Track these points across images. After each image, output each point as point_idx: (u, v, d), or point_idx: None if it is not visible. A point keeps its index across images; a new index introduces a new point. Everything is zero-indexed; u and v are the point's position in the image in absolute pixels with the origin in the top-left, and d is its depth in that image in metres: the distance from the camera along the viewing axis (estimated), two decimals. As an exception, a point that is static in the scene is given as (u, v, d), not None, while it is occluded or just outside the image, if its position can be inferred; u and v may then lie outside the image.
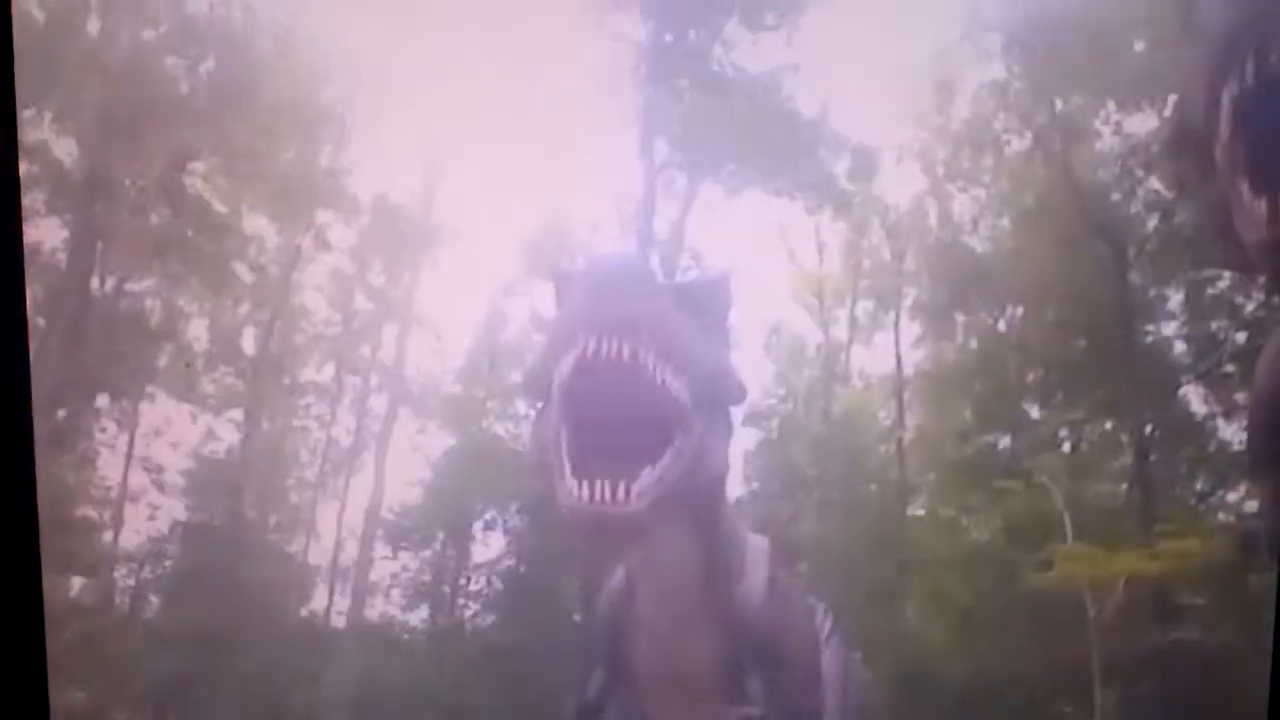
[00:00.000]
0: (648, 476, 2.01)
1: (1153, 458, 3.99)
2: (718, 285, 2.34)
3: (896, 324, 5.17)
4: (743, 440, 5.15)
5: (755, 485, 5.07)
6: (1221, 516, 3.84)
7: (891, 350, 5.23)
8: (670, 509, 2.09)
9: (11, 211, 0.72)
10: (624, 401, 2.03)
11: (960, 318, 4.84)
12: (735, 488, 5.13)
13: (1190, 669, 3.39)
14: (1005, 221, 4.72)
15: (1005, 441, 4.56)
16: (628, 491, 2.00)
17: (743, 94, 4.97)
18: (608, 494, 1.99)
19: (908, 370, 5.19)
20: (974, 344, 4.84)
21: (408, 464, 5.16)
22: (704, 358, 2.12)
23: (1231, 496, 3.78)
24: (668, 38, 5.21)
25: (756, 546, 2.69)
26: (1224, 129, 1.70)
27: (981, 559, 4.09)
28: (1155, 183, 4.09)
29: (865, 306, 5.51)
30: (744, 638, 2.40)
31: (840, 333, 5.72)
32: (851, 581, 4.11)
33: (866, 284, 5.44)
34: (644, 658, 2.43)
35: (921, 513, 4.94)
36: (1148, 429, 3.96)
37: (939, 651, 4.00)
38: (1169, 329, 4.19)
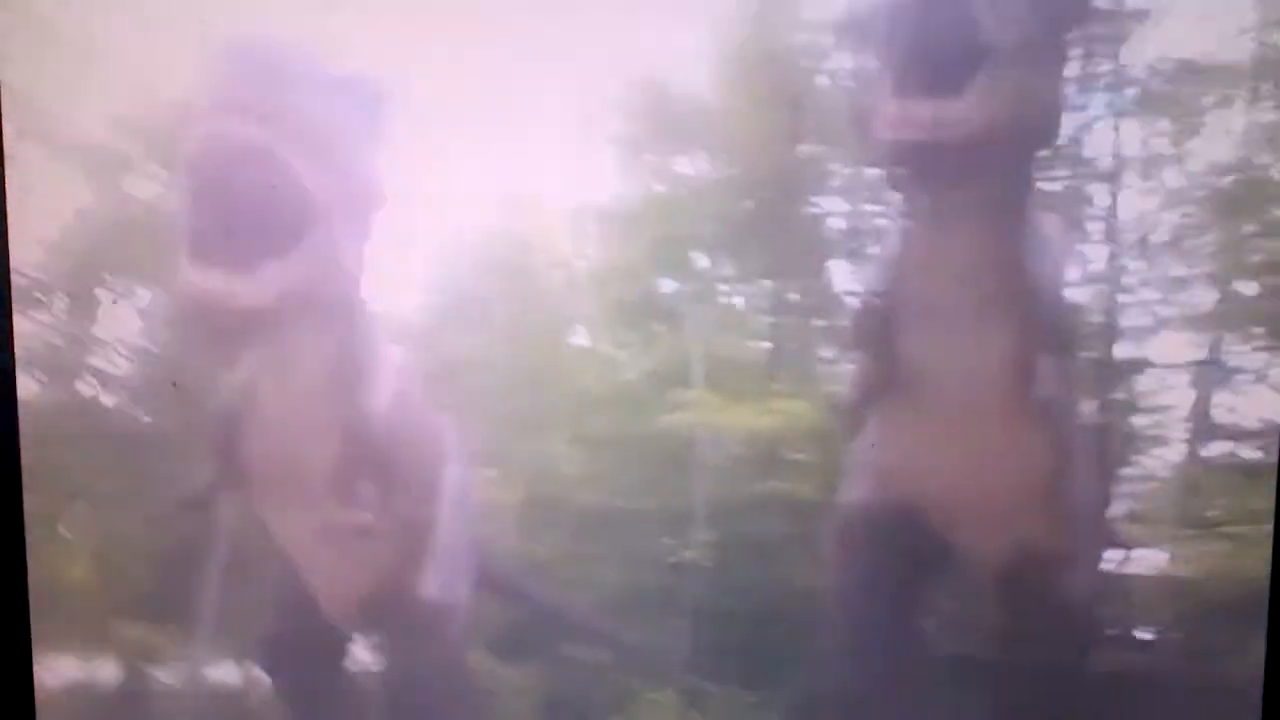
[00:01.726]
0: (272, 271, 1.91)
1: (789, 320, 4.27)
2: (372, 86, 2.21)
3: (589, 151, 5.13)
4: (412, 247, 5.00)
5: (418, 297, 4.96)
6: (835, 387, 4.20)
7: (583, 179, 5.19)
8: (297, 307, 2.02)
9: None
10: (252, 189, 1.90)
11: (650, 158, 4.86)
12: (387, 295, 4.97)
13: (781, 516, 3.76)
14: (712, 70, 4.72)
15: (669, 286, 4.70)
16: (248, 284, 1.90)
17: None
18: (227, 285, 1.89)
19: (597, 200, 5.16)
20: (659, 186, 4.89)
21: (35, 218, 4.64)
22: (343, 152, 2.02)
23: (849, 367, 4.12)
24: None
25: (389, 357, 2.68)
26: (878, 33, 1.81)
27: (627, 396, 4.26)
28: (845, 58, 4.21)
29: (562, 127, 5.39)
30: (363, 445, 2.41)
31: (536, 148, 5.60)
32: (501, 404, 4.17)
33: (563, 106, 5.34)
34: (258, 455, 2.38)
35: (583, 345, 5.05)
36: (793, 295, 4.22)
37: (573, 480, 4.18)
38: (831, 205, 4.42)
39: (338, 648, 2.67)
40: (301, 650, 2.55)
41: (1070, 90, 3.73)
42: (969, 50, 1.74)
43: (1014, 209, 1.95)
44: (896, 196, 2.19)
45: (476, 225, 5.05)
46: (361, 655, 3.18)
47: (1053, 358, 2.00)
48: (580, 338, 4.80)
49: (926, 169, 1.82)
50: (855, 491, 2.35)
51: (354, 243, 2.14)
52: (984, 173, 1.81)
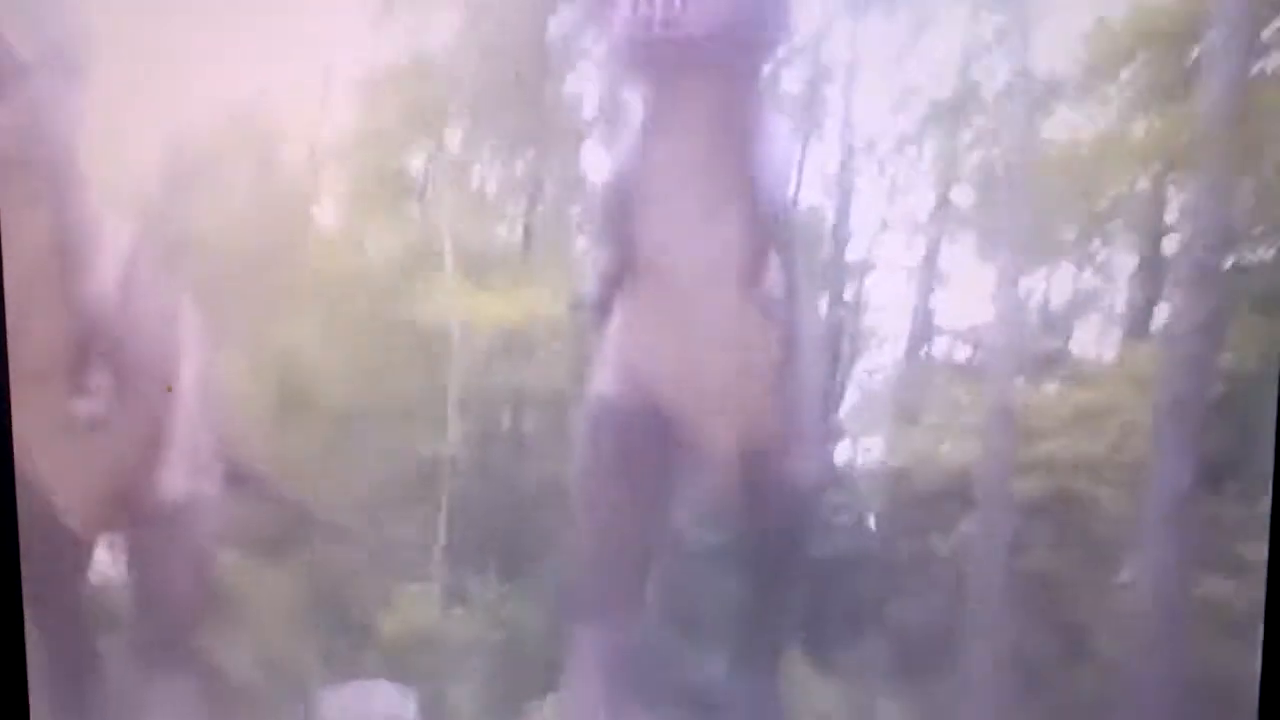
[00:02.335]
0: None
1: (542, 209, 4.24)
2: None
3: (332, 9, 4.81)
4: (135, 111, 4.58)
5: (145, 167, 4.57)
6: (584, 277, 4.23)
7: (327, 39, 4.85)
8: (10, 173, 1.85)
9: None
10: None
11: (403, 18, 4.61)
12: (109, 163, 4.51)
13: (530, 406, 3.82)
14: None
15: (420, 162, 4.53)
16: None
17: None
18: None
19: (343, 67, 4.84)
20: (409, 51, 4.64)
21: None
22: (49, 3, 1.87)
23: (596, 256, 4.15)
24: None
25: (114, 232, 2.50)
26: None
27: (379, 281, 4.14)
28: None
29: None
30: (90, 327, 2.25)
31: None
32: (248, 289, 3.97)
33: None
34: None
35: (330, 223, 4.83)
36: (547, 181, 4.18)
37: (327, 370, 4.06)
38: (587, 87, 4.36)
39: (78, 552, 2.52)
40: (39, 557, 2.40)
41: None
42: None
43: (741, 108, 2.02)
44: (638, 87, 2.21)
45: (208, 89, 4.64)
46: (103, 560, 3.02)
47: (779, 253, 2.10)
48: (326, 216, 4.60)
49: (659, 65, 1.85)
50: (602, 382, 2.41)
51: (65, 104, 1.95)
52: (713, 72, 1.85)
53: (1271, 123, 2.74)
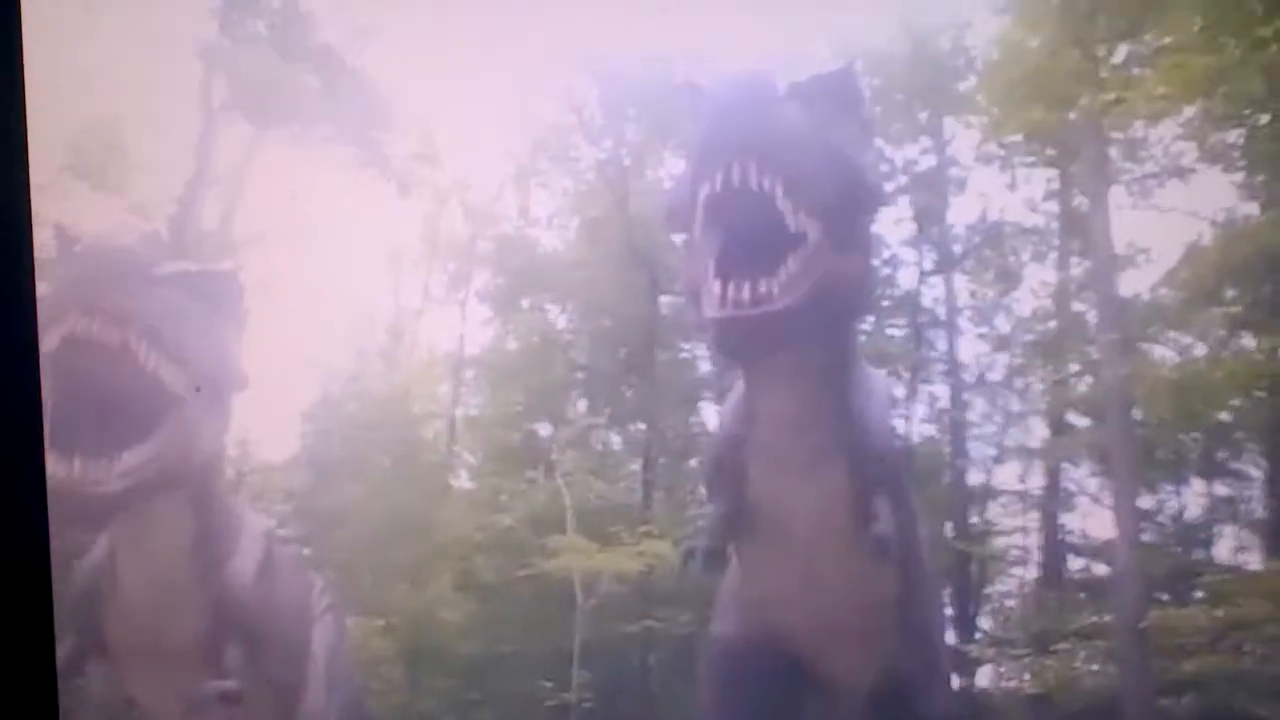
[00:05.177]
0: (128, 458, 2.02)
1: (661, 463, 4.42)
2: (225, 276, 2.31)
3: (464, 303, 5.30)
4: (299, 400, 4.94)
5: (309, 440, 4.90)
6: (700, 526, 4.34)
7: (458, 328, 5.32)
8: (154, 489, 2.09)
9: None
10: (106, 383, 2.00)
11: (525, 304, 5.04)
12: (262, 458, 4.81)
13: (657, 653, 3.84)
14: (571, 231, 4.98)
15: (547, 430, 4.82)
16: (105, 471, 1.99)
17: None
18: (85, 473, 1.96)
19: (472, 349, 5.29)
20: (535, 337, 5.05)
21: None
22: (196, 341, 2.13)
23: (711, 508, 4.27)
24: None
25: (254, 524, 2.69)
26: (699, 222, 1.97)
27: (506, 542, 4.34)
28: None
29: (439, 281, 5.54)
30: (228, 615, 2.40)
31: (412, 301, 5.68)
32: (384, 554, 4.17)
33: (441, 260, 5.46)
34: (123, 628, 2.35)
35: (466, 488, 5.09)
36: (661, 438, 4.37)
37: (457, 627, 4.20)
38: (700, 350, 4.64)
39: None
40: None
41: (902, 250, 3.94)
42: (777, 237, 1.90)
43: (836, 366, 2.12)
44: (737, 360, 2.34)
45: (353, 379, 4.94)
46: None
47: (886, 494, 2.14)
48: (464, 485, 4.80)
49: (748, 339, 1.97)
50: (723, 626, 2.43)
51: (213, 423, 2.22)
52: (803, 338, 1.97)
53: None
